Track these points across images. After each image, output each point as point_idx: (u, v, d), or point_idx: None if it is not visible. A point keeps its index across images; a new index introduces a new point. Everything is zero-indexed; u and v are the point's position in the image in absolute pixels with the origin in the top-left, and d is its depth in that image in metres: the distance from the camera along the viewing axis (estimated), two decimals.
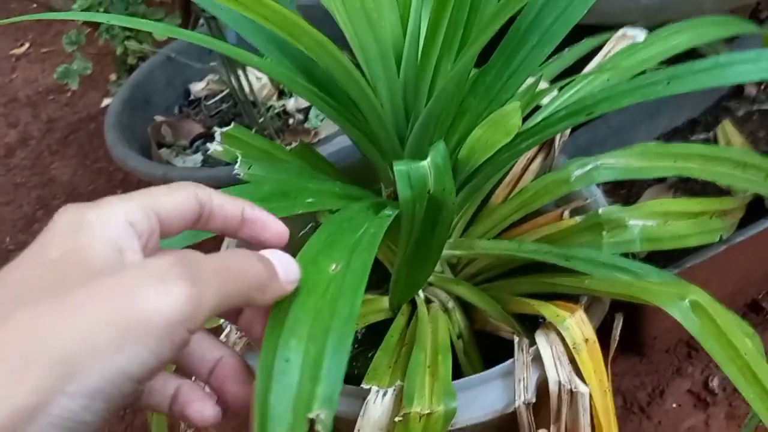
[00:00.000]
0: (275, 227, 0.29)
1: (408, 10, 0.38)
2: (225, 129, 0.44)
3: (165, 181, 0.74)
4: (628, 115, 0.86)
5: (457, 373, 0.55)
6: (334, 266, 0.28)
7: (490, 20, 0.35)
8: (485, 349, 0.56)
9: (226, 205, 0.28)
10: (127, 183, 1.18)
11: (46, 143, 1.36)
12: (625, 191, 0.84)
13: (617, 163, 0.54)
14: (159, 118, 0.91)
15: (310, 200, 0.38)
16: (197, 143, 0.91)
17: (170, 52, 0.95)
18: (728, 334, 0.45)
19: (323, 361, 0.23)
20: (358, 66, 0.41)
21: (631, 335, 0.80)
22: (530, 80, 0.60)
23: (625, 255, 0.73)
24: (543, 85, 0.64)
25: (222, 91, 0.97)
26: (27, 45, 1.70)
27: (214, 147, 0.43)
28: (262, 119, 0.88)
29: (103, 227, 0.24)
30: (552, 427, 0.46)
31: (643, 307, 0.65)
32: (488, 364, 0.49)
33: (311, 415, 0.22)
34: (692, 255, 0.66)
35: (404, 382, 0.42)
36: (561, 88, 0.61)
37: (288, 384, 0.23)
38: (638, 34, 0.65)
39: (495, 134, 0.40)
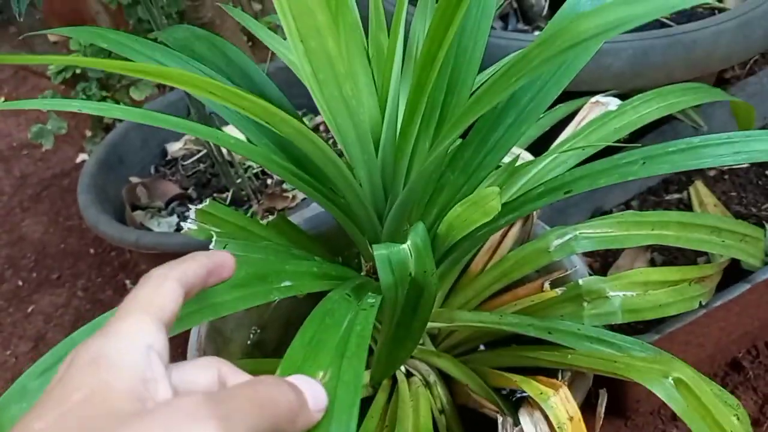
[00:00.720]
0: (229, 262, 0.30)
1: (386, 95, 0.38)
2: (199, 206, 0.43)
3: (137, 246, 0.72)
4: None
5: None
6: (321, 374, 0.27)
7: (459, 117, 0.35)
8: (468, 423, 0.55)
9: (199, 272, 0.29)
10: (99, 241, 1.15)
11: (18, 199, 1.33)
12: (604, 251, 0.85)
13: (595, 233, 0.54)
14: (134, 179, 0.90)
15: (287, 283, 0.37)
16: (173, 204, 0.89)
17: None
18: (714, 413, 0.44)
19: None
20: (336, 144, 0.41)
21: (615, 399, 0.79)
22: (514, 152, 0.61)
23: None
24: (517, 151, 0.65)
25: (199, 151, 0.96)
26: (2, 99, 1.68)
27: (188, 226, 0.42)
28: (239, 180, 0.88)
29: (125, 360, 0.23)
30: None
31: None
32: None
33: None
34: (672, 320, 0.66)
35: None
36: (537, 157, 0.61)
37: None
38: (611, 102, 0.66)
39: (474, 214, 0.40)
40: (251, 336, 0.66)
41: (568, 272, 0.53)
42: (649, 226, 0.57)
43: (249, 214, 0.80)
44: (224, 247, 0.41)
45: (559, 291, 0.52)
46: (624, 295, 0.52)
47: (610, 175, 0.40)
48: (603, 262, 0.84)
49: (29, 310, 1.08)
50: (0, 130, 1.57)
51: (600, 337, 0.50)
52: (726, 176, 0.91)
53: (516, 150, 0.66)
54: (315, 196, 0.43)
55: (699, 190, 0.87)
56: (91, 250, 1.16)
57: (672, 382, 0.44)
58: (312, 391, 0.26)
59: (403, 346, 0.43)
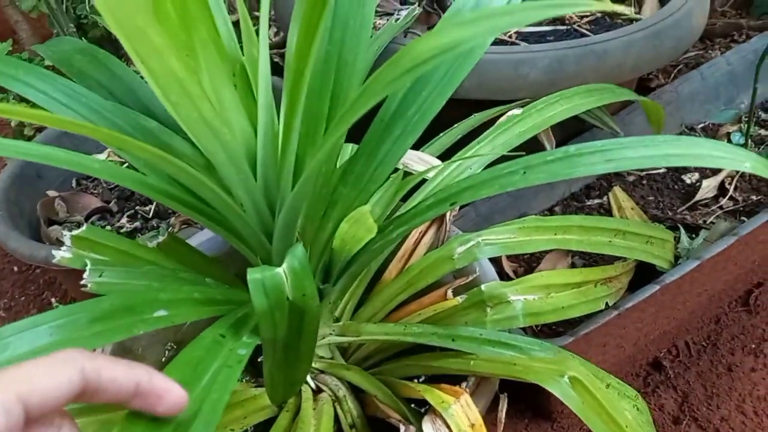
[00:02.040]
0: (171, 398, 0.28)
1: (255, 111, 0.37)
2: (74, 232, 0.41)
3: (47, 263, 0.70)
4: None
5: None
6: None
7: (339, 119, 0.34)
8: None
9: (120, 378, 0.26)
10: (17, 260, 1.11)
11: None
12: (528, 256, 0.86)
13: (498, 239, 0.55)
14: (52, 193, 0.87)
15: (161, 313, 0.36)
16: (93, 218, 0.87)
17: (60, 132, 0.92)
18: (609, 408, 0.45)
19: None
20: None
21: (540, 402, 0.80)
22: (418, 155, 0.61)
23: (524, 329, 0.74)
24: (429, 159, 0.65)
25: (123, 164, 0.94)
26: None
27: (61, 255, 0.40)
28: None
29: None
30: None
31: None
32: None
33: None
34: (586, 322, 0.67)
35: None
36: (444, 163, 0.62)
37: None
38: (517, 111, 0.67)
39: (359, 230, 0.40)
40: (166, 352, 0.65)
41: (470, 279, 0.54)
42: (552, 231, 0.58)
43: (169, 227, 0.78)
44: (100, 276, 0.39)
45: (460, 299, 0.52)
46: (525, 299, 0.53)
47: (491, 185, 0.41)
48: (527, 267, 0.85)
49: None
50: None
51: (502, 340, 0.50)
52: (644, 181, 0.93)
53: (428, 158, 0.67)
54: (200, 219, 0.42)
55: (617, 195, 0.89)
56: (15, 268, 1.11)
57: (568, 380, 0.44)
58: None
59: (297, 368, 0.42)
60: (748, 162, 0.37)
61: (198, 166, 0.41)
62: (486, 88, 0.78)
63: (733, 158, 0.37)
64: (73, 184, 0.95)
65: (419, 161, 0.65)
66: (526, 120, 0.65)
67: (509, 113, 0.66)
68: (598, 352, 0.74)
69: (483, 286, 0.53)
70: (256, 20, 0.39)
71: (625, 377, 0.83)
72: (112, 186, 0.93)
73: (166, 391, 0.28)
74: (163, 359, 0.65)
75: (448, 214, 0.63)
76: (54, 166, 0.92)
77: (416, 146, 0.66)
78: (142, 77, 0.49)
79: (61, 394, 0.25)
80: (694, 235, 0.82)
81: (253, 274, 0.34)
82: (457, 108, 0.74)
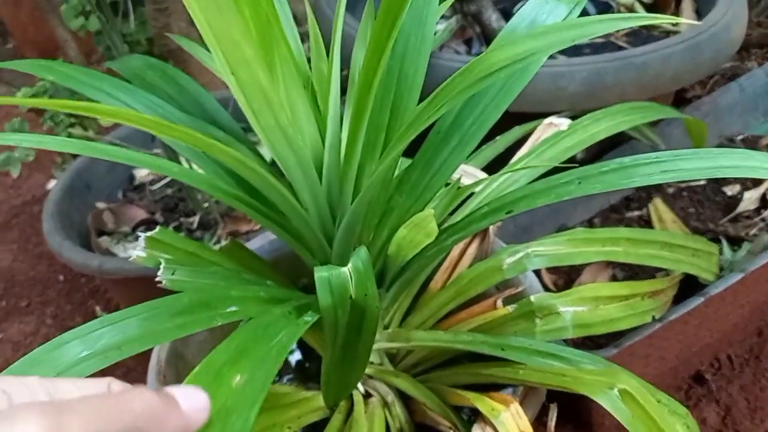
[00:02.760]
0: (197, 398, 0.27)
1: (325, 121, 0.39)
2: (149, 233, 0.43)
3: (101, 272, 0.72)
4: None
5: None
6: (238, 378, 0.28)
7: (406, 128, 0.36)
8: None
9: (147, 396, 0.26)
10: (69, 268, 1.14)
11: None
12: (568, 267, 0.87)
13: (546, 251, 0.56)
14: (101, 204, 0.90)
15: (233, 309, 0.37)
16: (140, 229, 0.90)
17: (114, 138, 0.96)
18: (659, 422, 0.45)
19: None
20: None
21: (580, 415, 0.80)
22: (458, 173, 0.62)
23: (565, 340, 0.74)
24: (474, 171, 0.66)
25: (167, 176, 0.97)
26: None
27: (137, 254, 0.43)
28: (206, 204, 0.88)
29: None
30: None
31: None
32: None
33: None
34: (630, 334, 0.67)
35: None
36: (491, 176, 0.63)
37: None
38: (562, 123, 0.68)
39: (417, 235, 0.41)
40: None
41: (519, 289, 0.55)
42: (600, 243, 0.59)
43: (214, 238, 0.80)
44: (173, 274, 0.41)
45: (510, 308, 0.53)
46: (575, 310, 0.53)
47: (547, 195, 0.42)
48: (567, 279, 0.86)
49: None
50: None
51: (551, 351, 0.51)
52: (684, 193, 0.93)
53: (473, 170, 0.68)
54: (264, 222, 0.44)
55: (658, 207, 0.89)
56: (61, 277, 1.15)
57: (617, 393, 0.45)
58: (185, 394, 0.26)
59: (351, 369, 0.44)
60: None
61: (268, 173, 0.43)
62: (525, 101, 0.80)
63: None
64: (120, 196, 0.98)
65: (464, 173, 0.66)
66: (572, 136, 0.66)
67: (547, 121, 0.67)
68: (641, 364, 0.73)
69: (533, 297, 0.54)
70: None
71: (667, 390, 0.82)
72: (158, 198, 0.96)
73: (195, 400, 0.27)
74: None
75: (491, 226, 0.64)
76: (102, 178, 0.96)
77: None
78: (206, 90, 0.51)
79: None
80: (736, 248, 0.82)
81: (320, 272, 0.36)
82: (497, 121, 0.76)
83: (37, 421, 0.21)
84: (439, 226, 0.49)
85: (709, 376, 0.84)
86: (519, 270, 0.55)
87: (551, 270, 0.85)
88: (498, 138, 0.78)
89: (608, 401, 0.44)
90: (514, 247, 0.56)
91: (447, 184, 0.52)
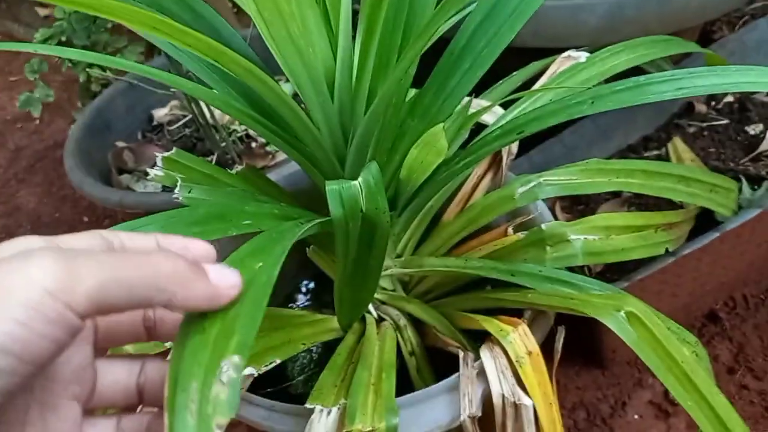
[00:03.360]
0: (197, 246, 0.28)
1: (336, 36, 0.39)
2: (166, 154, 0.44)
3: (121, 206, 0.74)
4: (582, 135, 0.88)
5: (411, 389, 0.55)
6: (259, 264, 0.29)
7: (419, 34, 0.36)
8: (441, 365, 0.57)
9: (136, 238, 0.28)
10: (93, 209, 1.17)
11: (13, 171, 1.36)
12: (583, 206, 0.86)
13: (559, 180, 0.56)
14: (121, 144, 0.92)
15: (247, 222, 0.38)
16: None
17: (132, 79, 0.96)
18: (665, 344, 0.46)
19: (238, 318, 0.24)
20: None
21: (592, 349, 0.81)
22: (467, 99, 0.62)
23: (579, 270, 0.74)
24: (483, 104, 0.66)
25: (185, 117, 0.98)
26: None
27: (155, 172, 0.44)
28: (224, 143, 0.89)
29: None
30: None
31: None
32: (441, 380, 0.49)
33: (225, 362, 0.22)
34: (641, 268, 0.68)
35: (347, 401, 0.42)
36: (506, 107, 0.63)
37: (203, 340, 0.23)
38: (581, 56, 0.67)
39: (428, 155, 0.42)
40: None
41: (530, 217, 0.55)
42: (614, 174, 0.59)
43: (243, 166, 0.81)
44: (189, 192, 0.42)
45: (521, 235, 0.53)
46: (585, 238, 0.54)
47: (559, 114, 0.41)
48: (581, 216, 0.85)
49: None
50: None
51: (560, 277, 0.51)
52: (705, 132, 0.92)
53: (488, 104, 0.67)
54: (276, 141, 0.45)
55: (677, 146, 0.88)
56: (85, 218, 1.18)
57: (624, 315, 0.45)
58: (215, 269, 0.26)
59: (363, 287, 0.45)
60: None
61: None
62: (543, 36, 0.78)
63: None
64: (139, 136, 0.99)
65: (479, 107, 0.66)
66: (590, 68, 0.64)
67: (565, 54, 0.66)
68: (652, 299, 0.73)
69: (543, 225, 0.54)
70: None
71: None
72: (176, 138, 0.97)
73: (188, 241, 0.28)
74: None
75: (505, 158, 0.64)
76: (121, 119, 0.97)
77: (476, 94, 0.67)
78: (224, 19, 0.51)
79: (91, 244, 0.26)
80: (756, 186, 0.81)
81: (331, 185, 0.37)
82: (514, 57, 0.74)
83: (47, 264, 0.22)
84: (449, 150, 0.50)
85: (723, 314, 0.84)
86: (531, 198, 0.55)
87: (566, 209, 0.85)
88: (515, 73, 0.77)
89: (615, 323, 0.45)
90: (526, 176, 0.57)
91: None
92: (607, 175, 0.58)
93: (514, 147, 0.63)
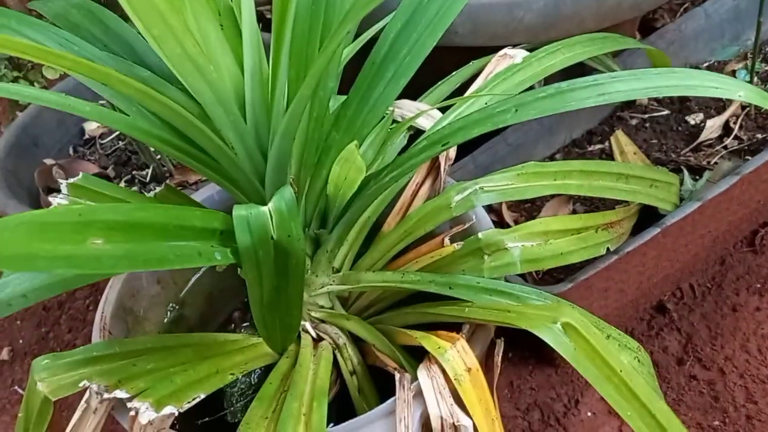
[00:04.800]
0: None
1: (241, 51, 0.37)
2: (71, 180, 0.41)
3: None
4: (525, 132, 0.87)
5: (352, 412, 0.53)
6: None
7: (329, 40, 0.33)
8: (384, 384, 0.55)
9: None
10: None
11: None
12: (529, 204, 0.86)
13: (496, 186, 0.54)
14: (49, 161, 0.87)
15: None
16: None
17: (62, 90, 0.91)
18: (603, 353, 0.45)
19: None
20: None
21: (543, 349, 0.81)
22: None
23: (526, 272, 0.73)
24: (427, 108, 0.64)
25: (118, 129, 0.93)
26: None
27: (57, 201, 0.41)
28: (158, 156, 0.86)
29: None
30: None
31: None
32: (385, 400, 0.48)
33: None
34: (586, 268, 0.67)
35: None
36: (443, 111, 0.61)
37: None
38: (517, 55, 0.66)
39: (350, 171, 0.40)
40: (168, 313, 0.65)
41: (466, 226, 0.54)
42: (551, 177, 0.58)
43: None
44: None
45: (457, 245, 0.52)
46: (523, 245, 0.53)
47: (483, 124, 0.40)
48: (528, 216, 0.85)
49: None
50: None
51: (498, 288, 0.50)
52: (647, 124, 0.92)
53: (425, 107, 0.66)
54: (193, 165, 0.42)
55: (620, 139, 0.88)
56: None
57: (560, 327, 0.44)
58: None
59: (289, 312, 0.43)
60: (741, 91, 0.36)
61: (191, 113, 0.40)
62: (481, 34, 0.77)
63: (725, 88, 0.36)
64: (70, 151, 0.95)
65: (417, 111, 0.64)
66: (526, 69, 0.63)
67: (502, 52, 0.65)
68: (600, 296, 0.74)
69: (480, 234, 0.53)
70: None
71: (628, 321, 0.84)
72: (109, 152, 0.93)
73: None
74: (165, 319, 0.66)
75: (443, 164, 0.62)
76: (50, 134, 0.92)
77: (413, 97, 0.66)
78: (138, 32, 0.48)
79: None
80: (698, 177, 0.82)
81: (238, 211, 0.34)
82: (454, 56, 0.73)
83: None
84: (375, 162, 0.48)
85: (671, 305, 0.85)
86: (467, 207, 0.54)
87: (512, 208, 0.84)
88: (454, 73, 0.75)
89: (550, 335, 0.44)
90: (462, 183, 0.55)
91: (394, 121, 0.50)
92: (544, 177, 0.57)
93: (452, 152, 0.62)
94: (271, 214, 0.34)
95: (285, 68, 0.37)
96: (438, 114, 0.63)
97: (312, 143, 0.45)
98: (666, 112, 0.92)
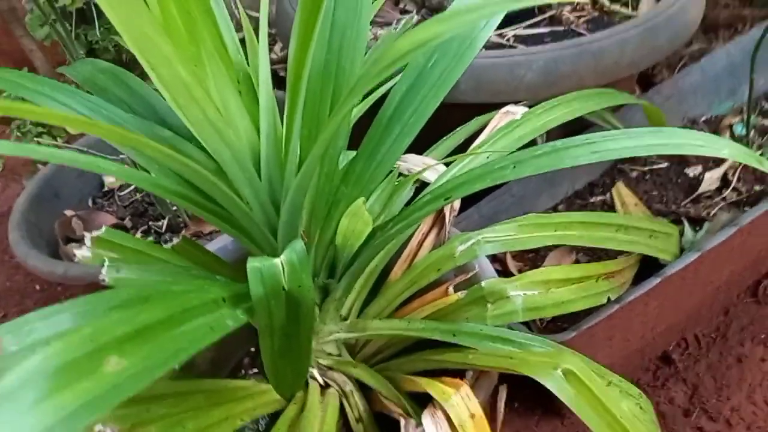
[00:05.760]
0: None
1: (257, 114, 0.40)
2: (95, 233, 0.44)
3: (65, 279, 0.73)
4: (529, 184, 0.90)
5: None
6: (113, 362, 0.28)
7: (342, 102, 0.36)
8: (388, 430, 0.56)
9: None
10: (45, 279, 1.14)
11: None
12: (533, 254, 0.88)
13: (497, 237, 0.57)
14: (69, 212, 0.90)
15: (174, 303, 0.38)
16: None
17: (83, 146, 0.96)
18: (603, 400, 0.46)
19: None
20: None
21: (550, 398, 0.81)
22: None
23: (529, 321, 0.75)
24: (433, 162, 0.67)
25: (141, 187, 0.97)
26: None
27: (82, 253, 0.43)
28: (174, 207, 0.89)
29: None
30: None
31: None
32: None
33: None
34: (589, 317, 0.68)
35: None
36: (448, 165, 0.64)
37: None
38: (518, 111, 0.69)
39: (357, 224, 0.42)
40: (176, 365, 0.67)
41: (468, 275, 0.55)
42: (552, 227, 0.60)
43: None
44: (117, 272, 0.42)
45: (461, 294, 0.54)
46: (525, 294, 0.54)
47: (484, 179, 0.43)
48: (532, 265, 0.87)
49: None
50: None
51: (502, 336, 0.52)
52: (647, 176, 0.95)
53: (431, 162, 0.69)
54: (210, 219, 0.45)
55: (620, 191, 0.90)
56: (37, 286, 1.15)
57: (561, 373, 0.46)
58: None
59: (298, 359, 0.44)
60: (726, 149, 0.38)
61: (209, 170, 0.43)
62: (484, 92, 0.81)
63: (711, 146, 0.39)
64: (89, 203, 0.98)
65: (423, 165, 0.67)
66: (525, 124, 0.67)
67: (504, 110, 0.68)
68: (604, 346, 0.75)
69: (483, 283, 0.55)
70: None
71: (634, 371, 0.84)
72: (127, 203, 0.96)
73: None
74: (176, 366, 0.67)
75: (448, 215, 0.65)
76: (71, 186, 0.96)
77: (420, 150, 0.69)
78: (160, 93, 0.52)
79: None
80: (698, 228, 0.83)
81: (252, 263, 0.37)
82: (458, 112, 0.77)
83: None
84: (382, 215, 0.51)
85: (676, 356, 0.85)
86: (470, 256, 0.56)
87: (516, 257, 0.86)
88: (459, 128, 0.79)
89: (552, 382, 0.45)
90: (466, 234, 0.57)
91: (401, 174, 0.53)
92: (545, 228, 0.60)
93: (457, 204, 0.65)
94: (283, 266, 0.37)
95: (298, 128, 0.40)
96: (443, 168, 0.66)
97: (322, 197, 0.48)
98: (665, 164, 0.95)
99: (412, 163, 0.65)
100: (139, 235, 0.88)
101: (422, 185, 0.64)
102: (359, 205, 0.40)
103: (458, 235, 0.58)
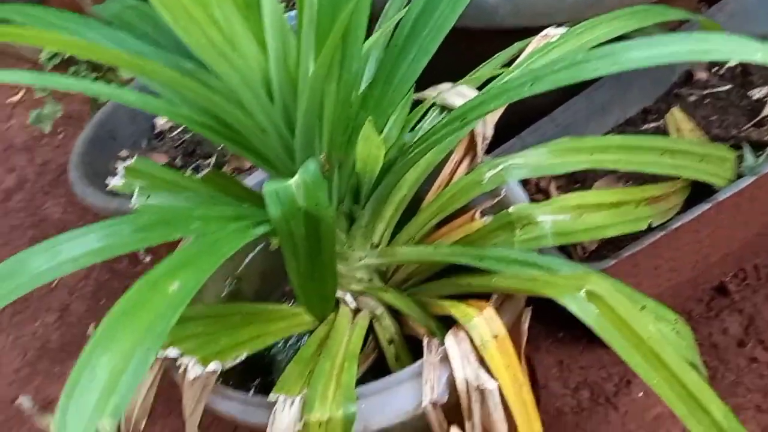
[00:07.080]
0: None
1: (263, 38, 0.40)
2: (127, 163, 0.46)
3: (119, 212, 0.77)
4: (575, 112, 0.86)
5: None
6: (176, 285, 0.30)
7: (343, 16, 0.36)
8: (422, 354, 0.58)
9: None
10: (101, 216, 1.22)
11: (40, 185, 1.42)
12: (579, 184, 0.85)
13: (527, 162, 0.55)
14: (124, 153, 0.95)
15: (194, 226, 0.40)
16: None
17: (134, 88, 0.99)
18: (629, 321, 0.45)
19: (122, 375, 0.25)
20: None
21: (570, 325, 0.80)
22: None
23: (571, 252, 0.73)
24: (467, 91, 0.65)
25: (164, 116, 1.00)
26: (22, 92, 1.77)
27: (114, 182, 0.46)
28: (220, 146, 0.91)
29: None
30: (467, 425, 0.47)
31: None
32: None
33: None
34: (630, 244, 0.66)
35: (307, 390, 0.43)
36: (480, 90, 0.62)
37: (87, 399, 0.25)
38: (558, 33, 0.66)
39: (371, 148, 0.42)
40: (226, 287, 0.70)
41: (494, 201, 0.55)
42: (587, 152, 0.58)
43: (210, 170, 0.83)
44: (147, 198, 0.44)
45: (486, 219, 0.53)
46: (555, 219, 0.53)
47: (500, 98, 0.41)
48: None
49: (53, 284, 1.16)
50: (22, 123, 1.65)
51: (529, 260, 0.51)
52: (707, 100, 0.89)
53: (465, 90, 0.67)
54: (231, 146, 0.46)
55: (676, 117, 0.85)
56: None
57: (584, 294, 0.45)
58: None
59: (324, 279, 0.46)
60: (759, 52, 0.35)
61: (227, 99, 0.44)
62: (522, 15, 0.77)
63: (743, 50, 0.36)
64: (143, 144, 1.03)
65: (457, 94, 0.65)
66: (563, 46, 0.63)
67: (544, 33, 0.65)
68: (649, 275, 0.72)
69: (511, 208, 0.54)
70: None
71: (686, 302, 0.81)
72: (177, 144, 1.00)
73: None
74: (223, 294, 0.71)
75: (479, 143, 0.63)
76: (125, 128, 1.00)
77: (455, 79, 0.67)
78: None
79: None
80: (760, 153, 0.78)
81: (269, 186, 0.38)
82: (497, 39, 0.73)
83: None
84: (401, 139, 0.50)
85: (732, 286, 0.82)
86: (498, 182, 0.55)
87: (561, 187, 0.84)
88: (497, 55, 0.76)
89: (573, 302, 0.44)
90: (495, 160, 0.56)
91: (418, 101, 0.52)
92: (579, 153, 0.58)
93: (489, 131, 0.63)
94: (297, 186, 0.38)
95: (311, 45, 0.40)
96: (473, 93, 0.65)
97: (340, 123, 0.48)
98: (727, 86, 0.88)
99: (445, 92, 0.64)
100: (189, 172, 0.91)
101: None
102: (368, 128, 0.39)
103: (487, 161, 0.57)
